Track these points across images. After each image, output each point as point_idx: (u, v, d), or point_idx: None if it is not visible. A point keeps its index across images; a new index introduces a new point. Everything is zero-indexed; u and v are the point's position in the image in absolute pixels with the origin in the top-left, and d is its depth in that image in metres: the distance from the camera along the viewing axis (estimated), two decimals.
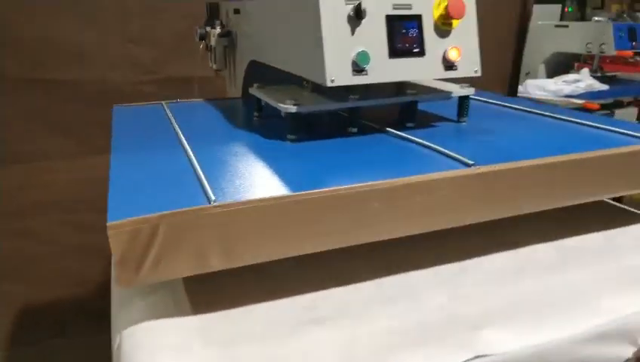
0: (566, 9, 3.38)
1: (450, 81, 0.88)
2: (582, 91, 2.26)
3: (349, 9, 0.65)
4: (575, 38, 2.50)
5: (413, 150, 0.68)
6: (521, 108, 0.93)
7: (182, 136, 0.74)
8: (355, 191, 0.53)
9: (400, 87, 0.83)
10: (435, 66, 0.71)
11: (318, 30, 0.64)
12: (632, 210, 0.79)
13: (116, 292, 0.61)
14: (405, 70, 0.70)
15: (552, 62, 2.70)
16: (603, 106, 2.18)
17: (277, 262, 0.53)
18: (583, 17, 3.05)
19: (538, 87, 2.44)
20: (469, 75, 0.74)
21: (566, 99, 2.24)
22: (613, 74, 2.61)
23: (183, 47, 1.36)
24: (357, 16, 0.65)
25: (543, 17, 2.94)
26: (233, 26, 1.08)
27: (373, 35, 0.67)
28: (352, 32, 0.66)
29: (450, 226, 0.59)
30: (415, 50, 0.70)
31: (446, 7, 0.70)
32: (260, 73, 0.92)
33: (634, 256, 0.65)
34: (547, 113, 0.88)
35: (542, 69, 2.73)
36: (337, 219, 0.53)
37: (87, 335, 1.54)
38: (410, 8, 0.70)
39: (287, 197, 0.51)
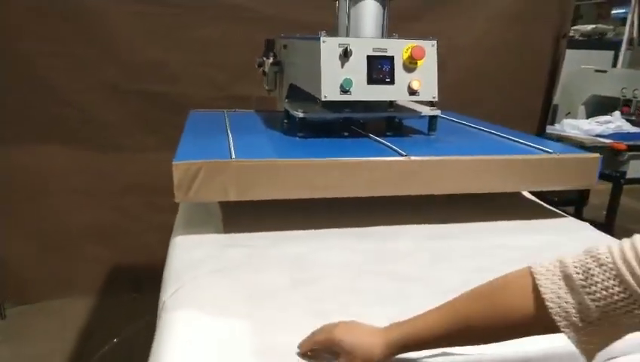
0: None
1: (426, 104, 1.18)
2: (611, 132, 2.41)
3: (340, 50, 0.99)
4: (612, 83, 2.66)
5: (377, 147, 1.00)
6: (484, 129, 1.21)
7: (228, 129, 1.11)
8: (320, 162, 0.86)
9: (385, 107, 1.14)
10: (401, 92, 1.03)
11: (318, 63, 0.98)
12: (545, 205, 1.05)
13: (179, 215, 0.98)
14: (379, 93, 1.02)
15: (591, 104, 2.86)
16: (631, 148, 2.29)
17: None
18: None
19: (573, 126, 2.61)
20: (428, 100, 1.05)
21: (595, 138, 2.41)
22: None
23: (247, 72, 1.75)
24: (345, 55, 0.99)
25: (597, 63, 3.11)
26: (283, 58, 1.44)
27: (357, 68, 1.00)
28: (342, 66, 0.99)
29: (388, 194, 0.90)
30: (387, 80, 1.02)
31: (411, 52, 1.02)
32: (297, 94, 1.26)
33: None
34: (495, 132, 1.16)
35: (582, 110, 2.90)
36: (308, 180, 0.86)
37: (158, 293, 1.93)
38: (386, 51, 1.02)
39: (278, 161, 0.85)
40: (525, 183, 0.96)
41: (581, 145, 2.18)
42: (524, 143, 1.05)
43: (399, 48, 1.02)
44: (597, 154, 1.00)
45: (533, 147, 1.01)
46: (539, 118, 2.43)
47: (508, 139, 1.11)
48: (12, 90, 1.80)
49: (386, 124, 1.15)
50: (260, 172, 0.84)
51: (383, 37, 1.10)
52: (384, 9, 1.11)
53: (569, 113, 2.89)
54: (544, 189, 0.96)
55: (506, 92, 2.29)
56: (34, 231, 1.98)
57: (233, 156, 0.85)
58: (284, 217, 0.91)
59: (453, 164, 0.91)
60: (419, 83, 1.02)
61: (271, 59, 1.50)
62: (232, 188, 0.84)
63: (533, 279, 0.46)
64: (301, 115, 1.05)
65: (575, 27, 4.21)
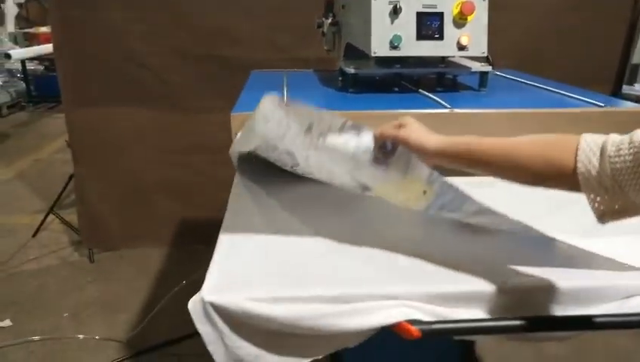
0: None
1: (481, 60, 1.17)
2: None
3: (390, 7, 1.02)
4: None
5: (423, 101, 1.03)
6: (539, 85, 1.20)
7: (285, 86, 1.18)
8: (357, 114, 0.91)
9: (436, 63, 1.16)
10: (450, 48, 1.05)
11: (369, 20, 1.02)
12: None
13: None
14: (428, 49, 1.04)
15: None
16: None
17: None
18: None
19: None
20: (477, 55, 1.06)
21: None
22: None
23: (308, 34, 1.80)
24: (394, 12, 1.02)
25: None
26: (341, 18, 1.48)
27: (406, 24, 1.03)
28: (392, 22, 1.03)
29: None
30: (436, 36, 1.04)
31: (461, 7, 1.03)
32: (353, 53, 1.30)
33: None
34: (551, 88, 1.15)
35: None
36: None
37: None
38: (435, 7, 1.04)
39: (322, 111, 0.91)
40: None
41: None
42: (575, 98, 1.04)
43: (449, 4, 1.04)
44: None
45: (584, 101, 1.00)
46: (614, 78, 2.30)
47: (561, 94, 1.10)
48: (96, 55, 1.98)
49: (438, 80, 1.17)
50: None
51: None
52: None
53: None
54: None
55: (579, 50, 2.18)
56: (118, 187, 2.19)
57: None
58: None
59: (495, 117, 0.93)
60: (468, 38, 1.04)
61: (330, 20, 1.54)
62: None
63: (579, 143, 0.54)
64: (352, 70, 1.10)
65: None
